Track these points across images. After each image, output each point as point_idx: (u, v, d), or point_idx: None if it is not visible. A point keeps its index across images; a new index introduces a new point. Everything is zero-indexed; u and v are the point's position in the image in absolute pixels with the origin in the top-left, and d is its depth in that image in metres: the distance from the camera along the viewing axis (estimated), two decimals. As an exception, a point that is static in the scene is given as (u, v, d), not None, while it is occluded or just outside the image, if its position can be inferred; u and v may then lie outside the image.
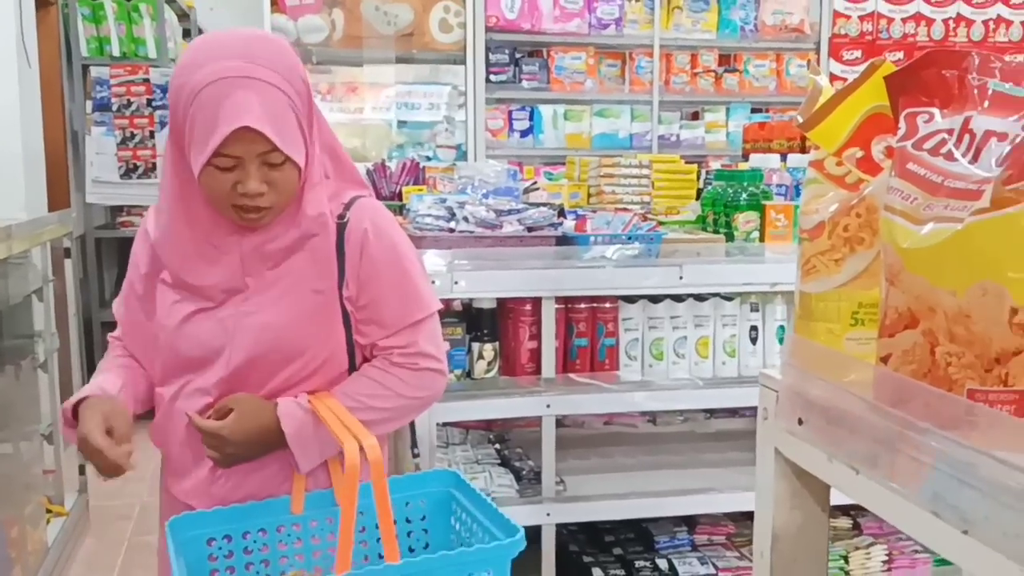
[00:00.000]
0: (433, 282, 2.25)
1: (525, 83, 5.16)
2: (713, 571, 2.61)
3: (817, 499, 1.11)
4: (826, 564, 1.14)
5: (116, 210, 5.87)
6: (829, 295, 1.03)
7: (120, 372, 1.57)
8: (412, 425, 1.83)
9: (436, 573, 1.25)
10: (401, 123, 5.08)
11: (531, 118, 5.15)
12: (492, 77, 5.04)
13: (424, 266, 1.65)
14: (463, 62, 5.03)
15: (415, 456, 1.83)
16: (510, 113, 5.12)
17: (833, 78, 5.38)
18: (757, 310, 2.55)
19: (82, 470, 4.23)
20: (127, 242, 6.14)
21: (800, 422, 1.02)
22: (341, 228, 1.49)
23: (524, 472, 2.52)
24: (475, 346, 2.47)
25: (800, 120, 1.06)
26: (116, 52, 5.57)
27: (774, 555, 1.11)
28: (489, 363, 2.48)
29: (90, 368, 4.94)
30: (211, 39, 1.42)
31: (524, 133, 5.15)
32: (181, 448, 1.55)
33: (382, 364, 1.53)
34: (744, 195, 2.66)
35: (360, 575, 1.23)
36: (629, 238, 2.39)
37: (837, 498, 1.03)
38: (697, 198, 3.20)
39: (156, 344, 1.55)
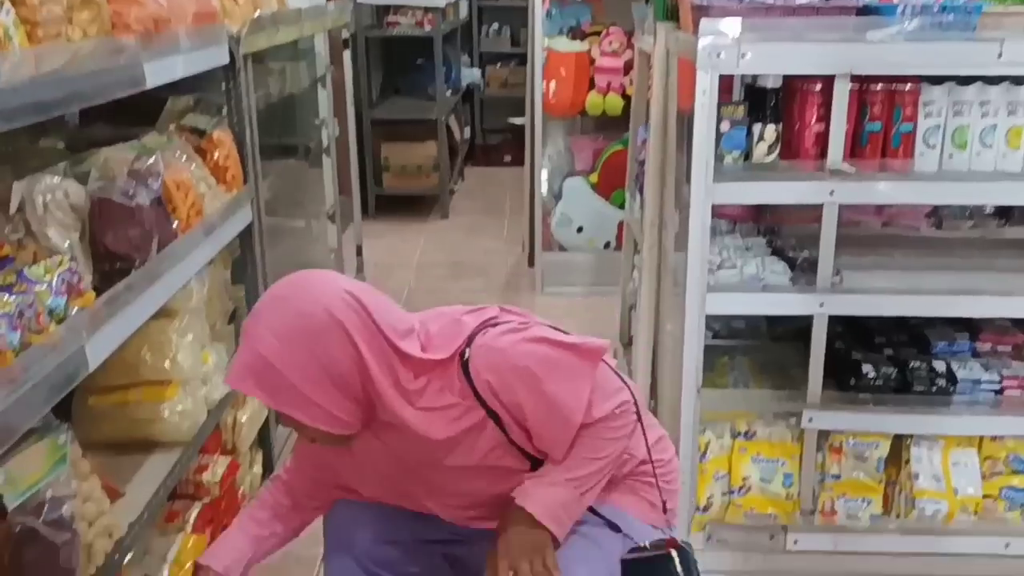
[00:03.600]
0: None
1: None
2: (997, 379, 2.45)
3: None
4: None
5: (383, 10, 6.05)
6: None
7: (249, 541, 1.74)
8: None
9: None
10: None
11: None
12: None
13: (561, 346, 1.58)
14: None
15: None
16: None
17: None
18: (1086, 97, 2.25)
19: (359, 251, 4.60)
20: (392, 42, 6.41)
21: None
22: (477, 394, 1.54)
23: (798, 262, 2.45)
24: (756, 127, 2.37)
25: None
26: None
27: None
28: (770, 146, 2.37)
29: (361, 158, 5.23)
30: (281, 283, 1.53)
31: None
32: None
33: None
34: (1089, -40, 2.29)
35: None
36: (943, 8, 2.14)
37: None
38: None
39: None
